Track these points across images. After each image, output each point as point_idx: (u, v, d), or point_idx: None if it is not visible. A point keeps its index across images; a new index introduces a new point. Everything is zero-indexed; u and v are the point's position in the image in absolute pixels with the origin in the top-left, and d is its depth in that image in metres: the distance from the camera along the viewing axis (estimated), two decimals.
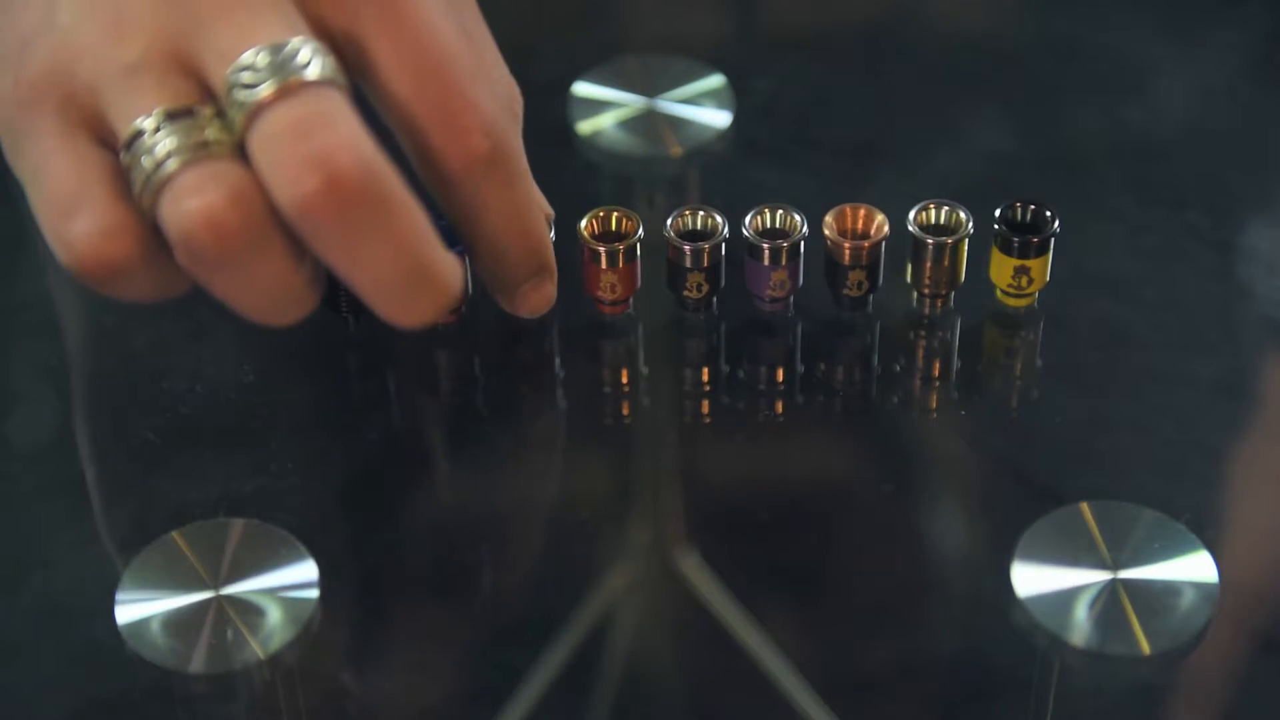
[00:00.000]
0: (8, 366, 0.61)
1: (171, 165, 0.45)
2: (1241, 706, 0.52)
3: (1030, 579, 0.52)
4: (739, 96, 0.66)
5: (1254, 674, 0.52)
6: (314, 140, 0.44)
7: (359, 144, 0.45)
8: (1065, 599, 0.51)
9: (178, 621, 0.51)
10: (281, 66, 0.45)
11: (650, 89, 0.66)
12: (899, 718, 0.52)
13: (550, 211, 0.55)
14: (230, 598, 0.52)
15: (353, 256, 0.46)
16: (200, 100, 0.46)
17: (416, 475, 0.58)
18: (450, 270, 0.47)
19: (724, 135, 0.65)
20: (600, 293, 0.59)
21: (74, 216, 0.46)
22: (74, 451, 0.59)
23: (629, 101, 0.66)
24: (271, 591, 0.52)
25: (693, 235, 0.59)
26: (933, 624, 0.54)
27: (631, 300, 0.60)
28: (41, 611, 0.54)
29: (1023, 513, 0.53)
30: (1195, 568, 0.52)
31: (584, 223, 0.58)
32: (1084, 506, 0.53)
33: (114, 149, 0.47)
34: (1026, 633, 0.51)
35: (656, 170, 0.65)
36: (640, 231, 0.58)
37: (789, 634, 0.53)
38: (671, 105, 0.66)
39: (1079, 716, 0.52)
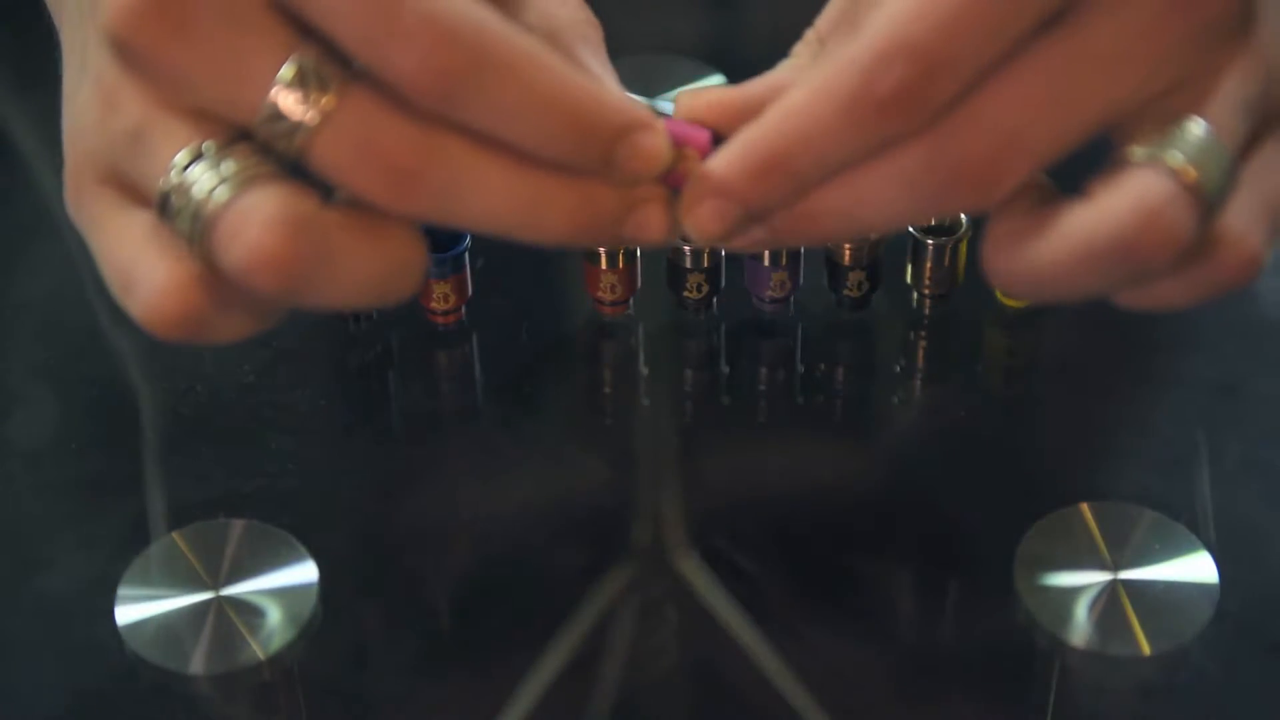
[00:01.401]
0: (8, 366, 0.61)
1: (209, 212, 0.43)
2: (1241, 706, 0.52)
3: (1031, 579, 0.52)
4: None
5: (1254, 674, 0.52)
6: (370, 158, 0.43)
7: (408, 134, 0.43)
8: (1066, 599, 0.51)
9: (178, 622, 0.51)
10: (302, 97, 0.43)
11: (650, 89, 0.66)
12: (899, 718, 0.52)
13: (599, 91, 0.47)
14: (230, 598, 0.52)
15: (467, 208, 0.44)
16: (213, 132, 0.44)
17: (416, 475, 0.58)
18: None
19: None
20: (600, 293, 0.59)
21: (131, 289, 0.45)
22: (74, 451, 0.59)
23: None
24: (271, 592, 0.52)
25: None
26: (933, 624, 0.54)
27: (631, 301, 0.60)
28: (41, 611, 0.54)
29: (1023, 513, 0.53)
30: (1195, 568, 0.52)
31: None
32: (1084, 507, 0.53)
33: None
34: (1027, 633, 0.51)
35: None
36: None
37: (788, 634, 0.53)
38: (671, 106, 0.65)
39: (1079, 716, 0.52)
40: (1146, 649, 0.50)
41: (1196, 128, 0.43)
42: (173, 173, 0.44)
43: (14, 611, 0.54)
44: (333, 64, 0.43)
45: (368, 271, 0.44)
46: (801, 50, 0.50)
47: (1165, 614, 0.51)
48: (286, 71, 0.43)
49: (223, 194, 0.43)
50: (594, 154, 0.44)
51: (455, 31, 0.42)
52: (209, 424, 0.58)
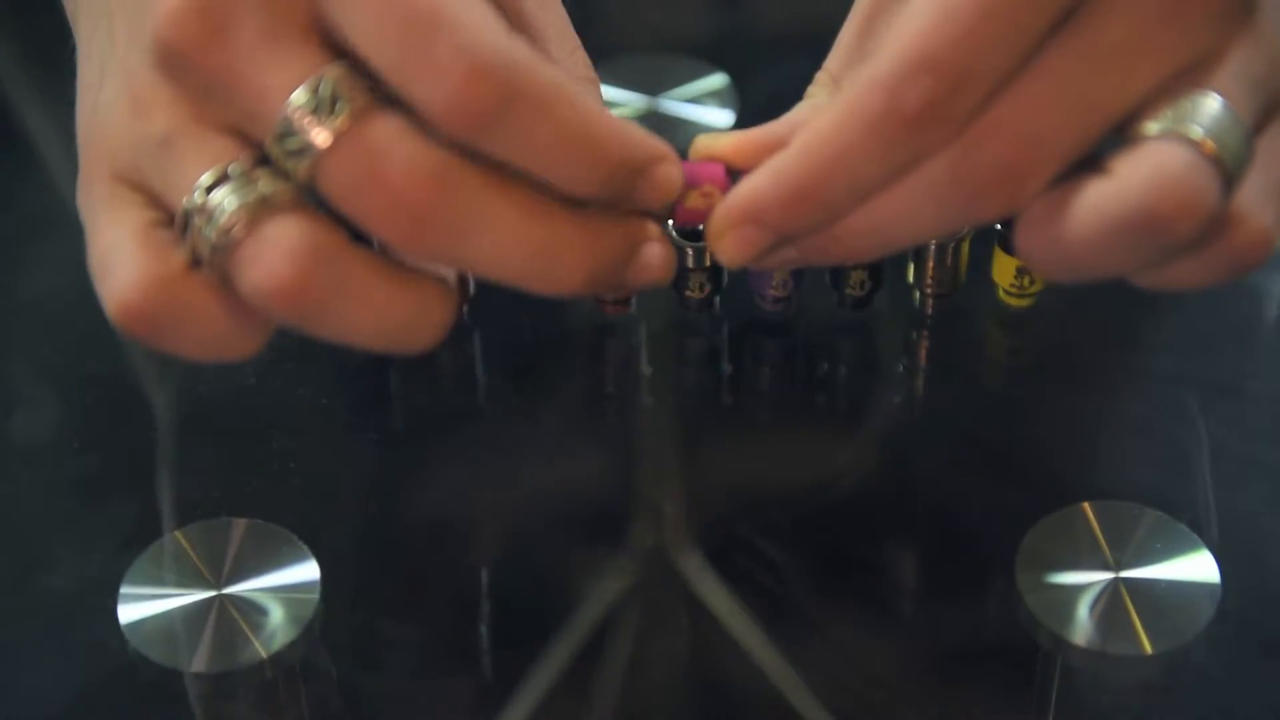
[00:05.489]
0: (8, 366, 0.61)
1: (231, 237, 0.43)
2: (1242, 706, 0.52)
3: (1032, 578, 0.52)
4: (742, 95, 0.66)
5: (1255, 673, 0.52)
6: (378, 184, 0.42)
7: (421, 165, 0.42)
8: (1067, 598, 0.51)
9: (180, 620, 0.51)
10: (319, 113, 0.42)
11: (652, 88, 0.66)
12: (901, 716, 0.52)
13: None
14: (232, 597, 0.52)
15: (476, 252, 0.44)
16: (242, 152, 0.44)
17: (417, 475, 0.58)
18: (575, 235, 0.44)
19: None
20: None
21: (105, 278, 0.45)
22: (75, 451, 0.59)
23: (631, 101, 0.65)
24: (273, 591, 0.52)
25: (695, 235, 0.59)
26: (935, 624, 0.54)
27: (634, 300, 0.60)
28: (44, 610, 0.54)
29: (1024, 513, 0.53)
30: (1197, 567, 0.52)
31: None
32: (1086, 506, 0.53)
33: (165, 212, 0.46)
34: (1029, 632, 0.51)
35: None
36: None
37: (790, 633, 0.53)
38: (674, 104, 0.66)
39: (1080, 715, 0.52)
40: (1148, 648, 0.50)
41: (1212, 101, 0.43)
42: (196, 193, 0.44)
43: (17, 610, 0.54)
44: (358, 87, 0.43)
45: (386, 315, 0.44)
46: (816, 91, 0.50)
47: (1167, 613, 0.51)
48: (304, 89, 0.43)
49: (245, 221, 0.43)
50: (618, 188, 0.45)
51: (487, 66, 0.42)
52: (211, 423, 0.58)
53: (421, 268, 0.45)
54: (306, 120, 0.42)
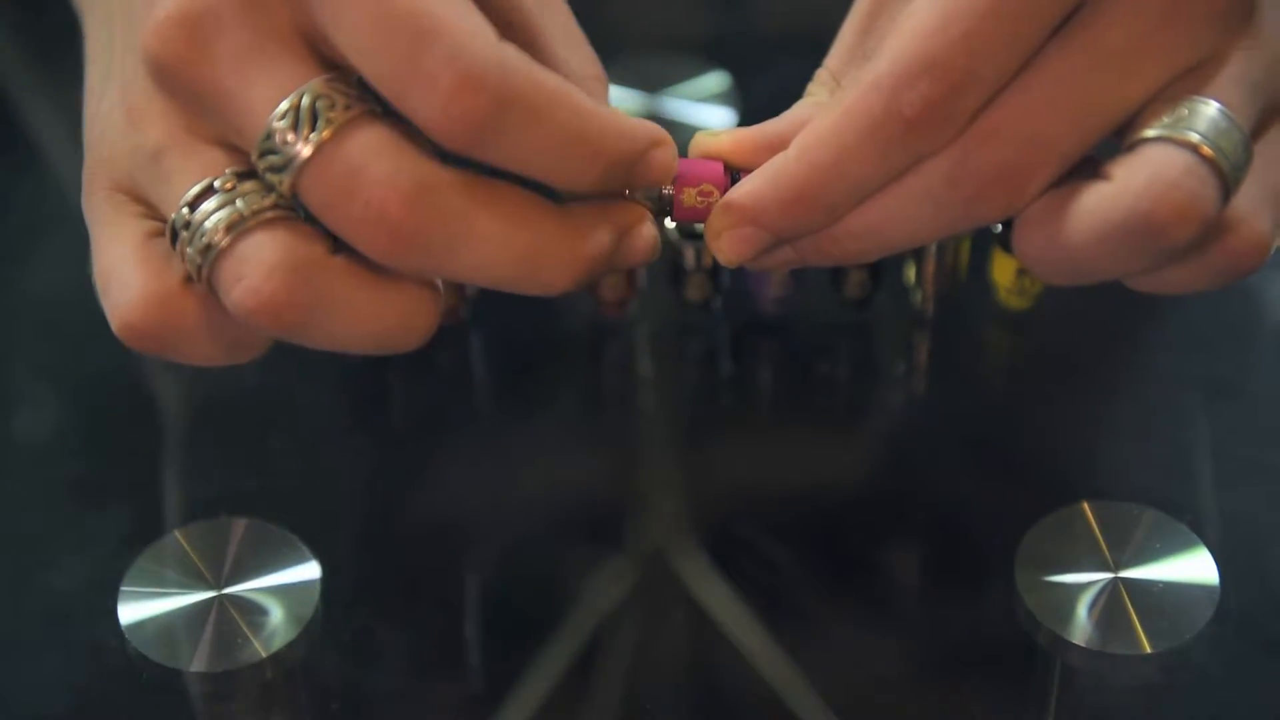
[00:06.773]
0: (8, 366, 0.61)
1: (212, 252, 0.44)
2: (1241, 706, 0.52)
3: (1032, 578, 0.52)
4: (743, 95, 0.66)
5: (1254, 673, 0.52)
6: (357, 199, 0.42)
7: (401, 179, 0.42)
8: (1067, 598, 0.51)
9: (180, 620, 0.51)
10: (300, 127, 0.42)
11: (653, 87, 0.66)
12: (901, 717, 0.52)
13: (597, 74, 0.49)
14: (232, 596, 0.52)
15: (460, 263, 0.44)
16: (229, 165, 0.44)
17: (417, 475, 0.58)
18: (562, 239, 0.44)
19: None
20: (603, 293, 0.59)
21: (107, 294, 0.46)
22: (75, 451, 0.59)
23: (631, 100, 0.65)
24: (273, 591, 0.52)
25: (695, 235, 0.59)
26: (934, 623, 0.54)
27: (634, 301, 0.60)
28: (45, 610, 0.54)
29: (1024, 512, 0.53)
30: (1196, 567, 0.52)
31: None
32: (1085, 506, 0.53)
33: (163, 222, 0.46)
34: (1029, 632, 0.51)
35: None
36: None
37: (790, 634, 0.53)
38: (674, 104, 0.66)
39: (1080, 715, 0.52)
40: (1147, 648, 0.50)
41: (1208, 107, 0.43)
42: (183, 208, 0.44)
43: (17, 610, 0.54)
44: (340, 101, 0.43)
45: (371, 322, 0.44)
46: (816, 89, 0.50)
47: (1166, 613, 0.51)
48: (286, 102, 0.43)
49: (227, 235, 0.43)
50: (616, 180, 0.45)
51: (478, 76, 0.41)
52: (211, 423, 0.58)
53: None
54: (288, 134, 0.42)
